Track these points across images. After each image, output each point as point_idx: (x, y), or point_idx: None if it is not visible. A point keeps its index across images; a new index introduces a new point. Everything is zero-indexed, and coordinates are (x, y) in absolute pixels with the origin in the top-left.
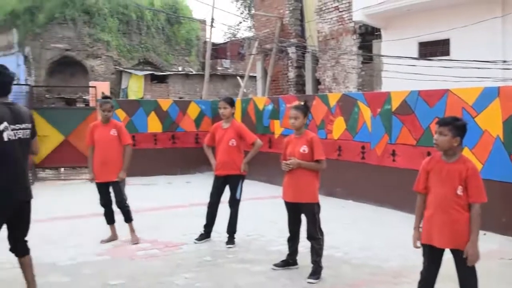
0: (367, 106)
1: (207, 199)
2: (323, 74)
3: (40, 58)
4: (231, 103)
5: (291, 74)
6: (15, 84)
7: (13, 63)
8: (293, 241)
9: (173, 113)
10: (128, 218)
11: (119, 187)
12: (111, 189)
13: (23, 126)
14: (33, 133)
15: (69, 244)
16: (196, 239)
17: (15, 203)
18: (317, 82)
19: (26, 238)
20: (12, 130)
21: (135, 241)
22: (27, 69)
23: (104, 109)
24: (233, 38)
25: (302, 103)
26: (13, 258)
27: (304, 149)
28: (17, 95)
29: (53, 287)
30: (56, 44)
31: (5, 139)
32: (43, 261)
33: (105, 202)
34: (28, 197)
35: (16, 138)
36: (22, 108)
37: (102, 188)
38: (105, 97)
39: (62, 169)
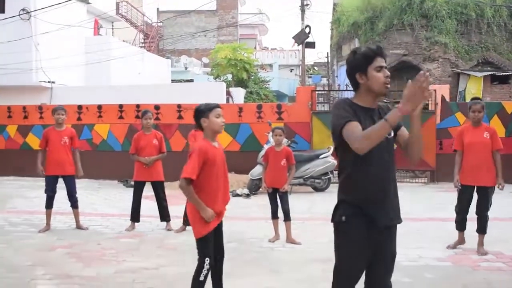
0: None
1: None
2: None
3: None
4: None
5: None
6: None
7: None
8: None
9: None
10: (480, 229)
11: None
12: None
13: None
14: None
15: (411, 245)
16: None
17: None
18: None
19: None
20: None
21: (481, 253)
22: None
23: (474, 110)
24: None
25: None
26: None
27: None
28: None
29: (395, 284)
30: (394, 50)
31: None
32: None
33: (461, 208)
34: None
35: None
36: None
37: (467, 190)
38: (474, 98)
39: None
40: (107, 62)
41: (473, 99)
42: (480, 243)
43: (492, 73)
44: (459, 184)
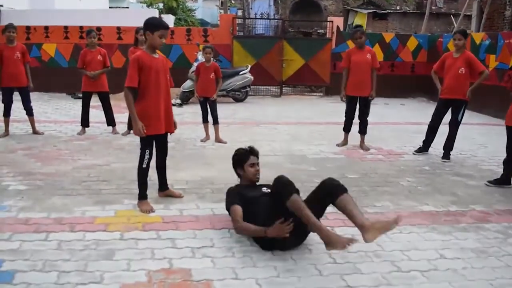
0: None
1: (420, 120)
2: None
3: None
4: (465, 35)
5: (508, 12)
6: (269, 18)
7: (266, 4)
8: (508, 163)
9: (394, 44)
10: (361, 130)
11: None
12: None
13: None
14: None
15: (313, 143)
16: (415, 151)
17: None
18: None
19: None
20: None
21: (365, 148)
22: (275, 8)
23: (356, 37)
24: None
25: None
26: None
27: None
28: (269, 27)
29: (304, 172)
30: None
31: None
32: (297, 154)
33: (350, 114)
34: None
35: None
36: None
37: (353, 101)
38: (356, 26)
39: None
40: None
41: (355, 27)
42: (362, 141)
43: (374, 10)
44: (344, 97)
